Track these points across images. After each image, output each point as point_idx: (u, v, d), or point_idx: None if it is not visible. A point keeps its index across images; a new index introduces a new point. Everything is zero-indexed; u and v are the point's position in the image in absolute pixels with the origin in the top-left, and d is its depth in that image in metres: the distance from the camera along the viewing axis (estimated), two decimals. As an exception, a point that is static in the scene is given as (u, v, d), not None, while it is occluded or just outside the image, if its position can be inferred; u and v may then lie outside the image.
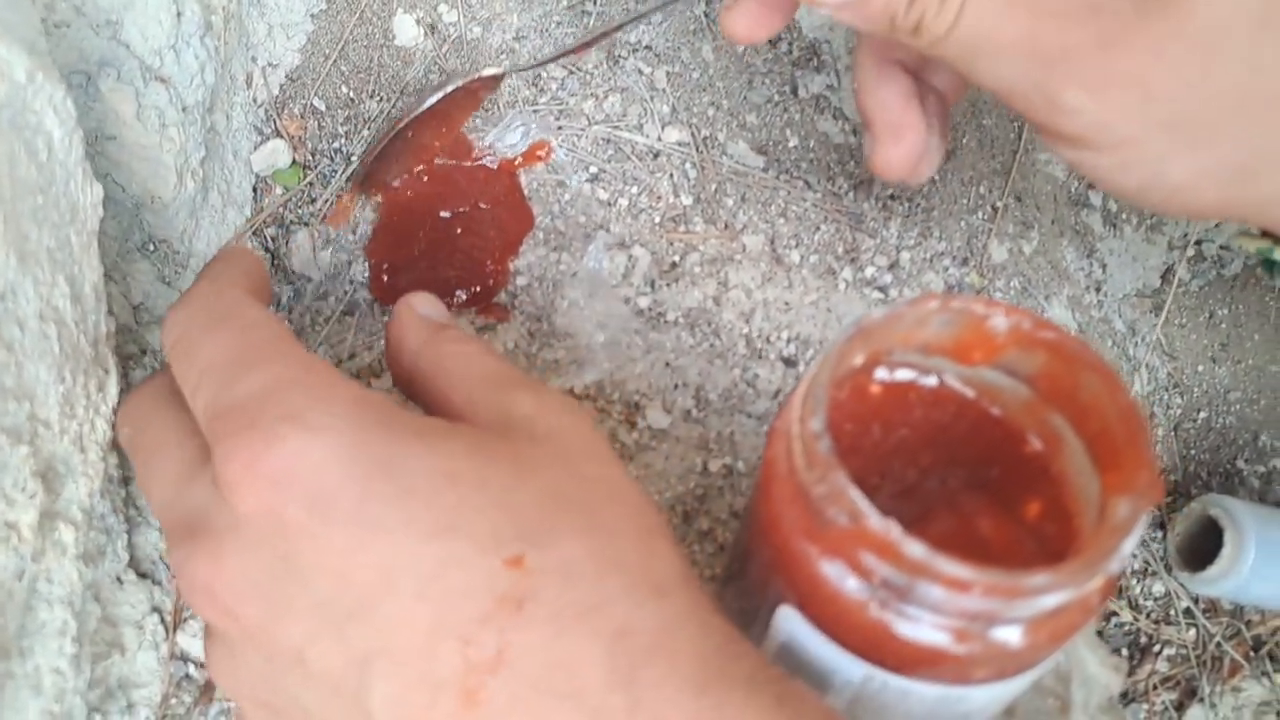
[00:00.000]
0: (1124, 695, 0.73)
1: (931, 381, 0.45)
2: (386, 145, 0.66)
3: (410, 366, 0.48)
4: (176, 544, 0.41)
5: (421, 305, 0.50)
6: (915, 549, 0.35)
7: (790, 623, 0.42)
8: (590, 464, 0.43)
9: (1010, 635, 0.38)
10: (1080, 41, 0.46)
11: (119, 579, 0.51)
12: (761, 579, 0.43)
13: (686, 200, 0.70)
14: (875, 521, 0.36)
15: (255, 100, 0.65)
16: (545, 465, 0.42)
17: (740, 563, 0.47)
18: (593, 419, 0.46)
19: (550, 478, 0.41)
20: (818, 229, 0.70)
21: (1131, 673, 0.73)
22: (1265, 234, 0.54)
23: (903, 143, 0.56)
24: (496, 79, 0.67)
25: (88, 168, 0.45)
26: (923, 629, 0.38)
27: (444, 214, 0.67)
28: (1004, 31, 0.47)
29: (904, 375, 0.45)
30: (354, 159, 0.68)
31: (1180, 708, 0.73)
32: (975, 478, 0.44)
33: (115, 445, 0.50)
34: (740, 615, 0.46)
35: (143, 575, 0.53)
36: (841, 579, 0.38)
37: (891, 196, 0.72)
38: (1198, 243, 0.78)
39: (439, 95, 0.65)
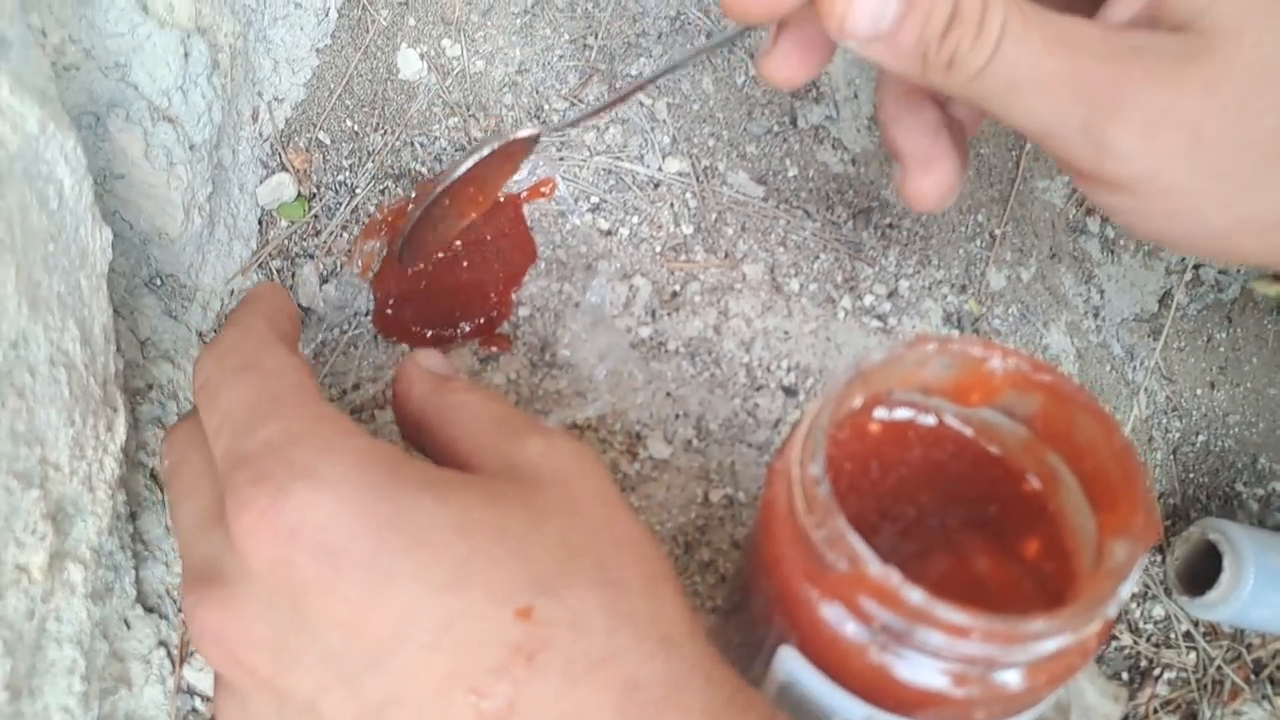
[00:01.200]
0: (1124, 719, 0.73)
1: (930, 421, 0.45)
2: (423, 215, 0.65)
3: (417, 415, 0.49)
4: (190, 589, 0.42)
5: (426, 360, 0.51)
6: (915, 595, 0.36)
7: (791, 662, 0.42)
8: (597, 507, 0.43)
9: (1009, 678, 0.39)
10: (1128, 78, 0.44)
11: (126, 615, 0.51)
12: (763, 615, 0.44)
13: (687, 230, 0.70)
14: (875, 568, 0.36)
15: (261, 135, 0.66)
16: (555, 512, 0.42)
17: (741, 596, 0.48)
18: (600, 460, 0.46)
19: (560, 525, 0.42)
20: (817, 258, 0.71)
21: (1132, 696, 0.74)
22: None
23: (933, 173, 0.55)
24: (532, 140, 0.65)
25: (97, 212, 0.46)
26: (922, 672, 0.38)
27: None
28: (1045, 67, 0.45)
29: (903, 414, 0.45)
30: (358, 191, 0.68)
31: (1180, 731, 0.73)
32: (974, 516, 0.45)
33: (123, 482, 0.50)
34: (742, 649, 0.47)
35: (150, 610, 0.54)
36: (841, 622, 0.39)
37: (890, 225, 0.72)
38: (1195, 267, 0.78)
39: (473, 160, 0.64)
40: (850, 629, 0.39)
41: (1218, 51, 0.44)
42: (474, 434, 0.46)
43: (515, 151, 0.65)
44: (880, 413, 0.45)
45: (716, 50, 0.70)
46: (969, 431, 0.45)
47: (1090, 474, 0.42)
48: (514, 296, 0.67)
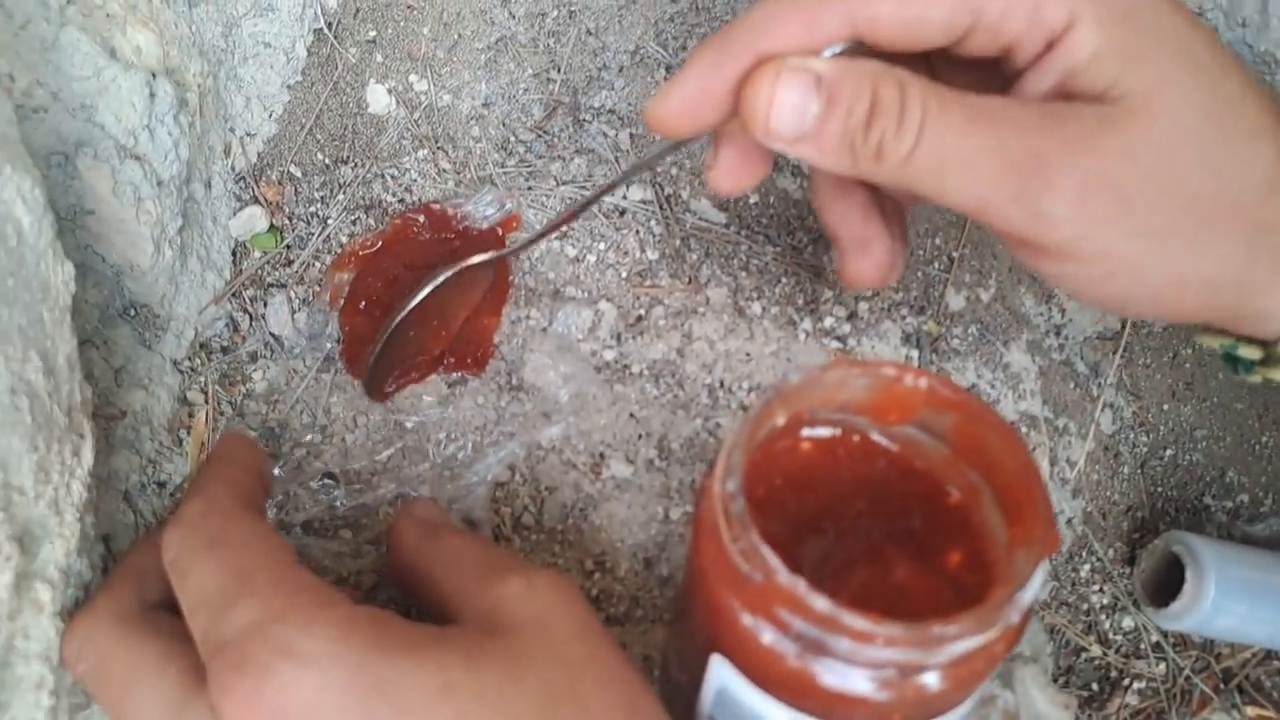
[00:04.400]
0: (1094, 729, 0.74)
1: (856, 439, 0.47)
2: (387, 348, 0.67)
3: (409, 562, 0.52)
4: None
5: (419, 510, 0.55)
6: (820, 603, 0.38)
7: (721, 670, 0.44)
8: (578, 646, 0.45)
9: (923, 682, 0.40)
10: (1054, 147, 0.46)
11: (97, 633, 0.53)
12: (699, 626, 0.46)
13: (652, 255, 0.72)
14: (784, 578, 0.38)
15: (233, 168, 0.68)
16: (534, 658, 0.44)
17: (685, 607, 0.50)
18: (580, 595, 0.48)
19: (539, 672, 0.44)
20: (779, 281, 0.73)
21: (1102, 707, 0.75)
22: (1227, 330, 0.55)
23: (869, 255, 0.56)
24: (489, 264, 0.68)
25: (59, 248, 0.48)
26: (839, 677, 0.40)
27: (419, 279, 0.69)
28: (970, 144, 0.46)
29: (828, 433, 0.47)
30: (330, 223, 0.71)
31: (1151, 741, 0.74)
32: (902, 530, 0.47)
33: (93, 506, 0.52)
34: (688, 657, 0.49)
35: (122, 628, 0.56)
36: (761, 631, 0.41)
37: (850, 249, 0.74)
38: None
39: (429, 288, 0.66)
40: (769, 637, 0.41)
41: (1135, 117, 0.46)
42: (458, 580, 0.49)
43: (474, 277, 0.68)
44: (808, 431, 0.47)
45: (654, 165, 0.73)
46: (894, 448, 0.47)
47: (1001, 488, 0.44)
48: (489, 324, 0.69)
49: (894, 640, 0.38)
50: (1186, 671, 0.75)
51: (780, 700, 0.42)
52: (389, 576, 0.55)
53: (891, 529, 0.47)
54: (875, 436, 0.47)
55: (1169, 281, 0.48)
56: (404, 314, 0.66)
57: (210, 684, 0.42)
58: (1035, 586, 0.39)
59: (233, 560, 0.46)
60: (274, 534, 0.48)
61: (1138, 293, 0.49)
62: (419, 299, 0.66)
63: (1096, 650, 0.75)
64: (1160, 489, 0.78)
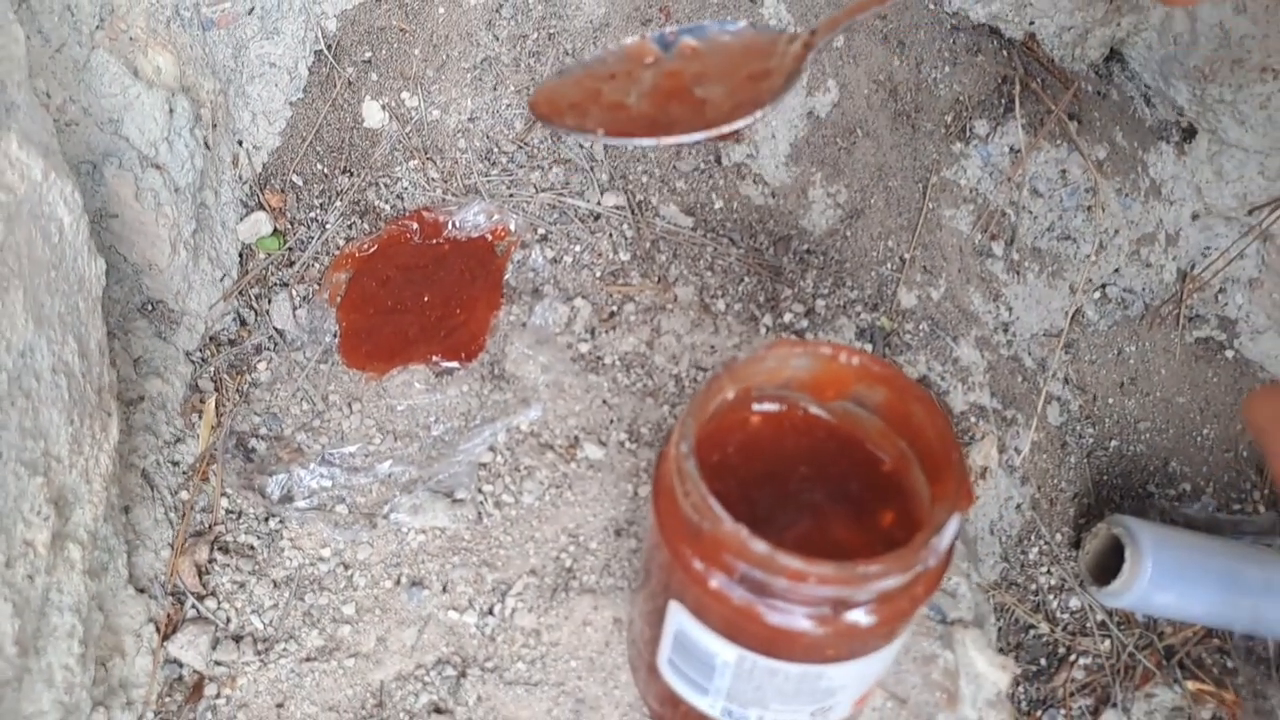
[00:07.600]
0: (1042, 701, 0.79)
1: (800, 412, 0.53)
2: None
3: None
4: None
5: None
6: (759, 546, 0.43)
7: (678, 615, 0.50)
8: None
9: (853, 618, 0.46)
10: None
11: (119, 593, 0.59)
12: (660, 580, 0.51)
13: (624, 256, 0.78)
14: (729, 525, 0.44)
15: (241, 178, 0.74)
16: None
17: (646, 569, 0.55)
18: None
19: None
20: (742, 281, 0.78)
21: (1049, 680, 0.80)
22: None
23: None
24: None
25: (92, 245, 0.54)
26: (779, 614, 0.46)
27: (411, 280, 0.75)
28: None
29: (774, 407, 0.53)
30: (328, 227, 0.77)
31: (1096, 713, 0.79)
32: (841, 493, 0.52)
33: (116, 479, 0.58)
34: (649, 615, 0.54)
35: (140, 591, 0.61)
36: (710, 576, 0.46)
37: (808, 251, 0.80)
38: (1101, 286, 0.85)
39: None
40: (717, 581, 0.46)
41: None
42: None
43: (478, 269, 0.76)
44: (756, 406, 0.53)
45: None
46: (834, 420, 0.53)
47: (924, 453, 0.49)
48: (492, 321, 0.75)
49: (825, 579, 0.43)
50: (1130, 648, 0.80)
51: (728, 638, 0.48)
52: None
53: (831, 492, 0.52)
54: (816, 410, 0.53)
55: None
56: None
57: None
58: (949, 534, 0.45)
59: None
60: None
61: None
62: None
63: (1044, 628, 0.79)
64: (1106, 478, 0.83)
